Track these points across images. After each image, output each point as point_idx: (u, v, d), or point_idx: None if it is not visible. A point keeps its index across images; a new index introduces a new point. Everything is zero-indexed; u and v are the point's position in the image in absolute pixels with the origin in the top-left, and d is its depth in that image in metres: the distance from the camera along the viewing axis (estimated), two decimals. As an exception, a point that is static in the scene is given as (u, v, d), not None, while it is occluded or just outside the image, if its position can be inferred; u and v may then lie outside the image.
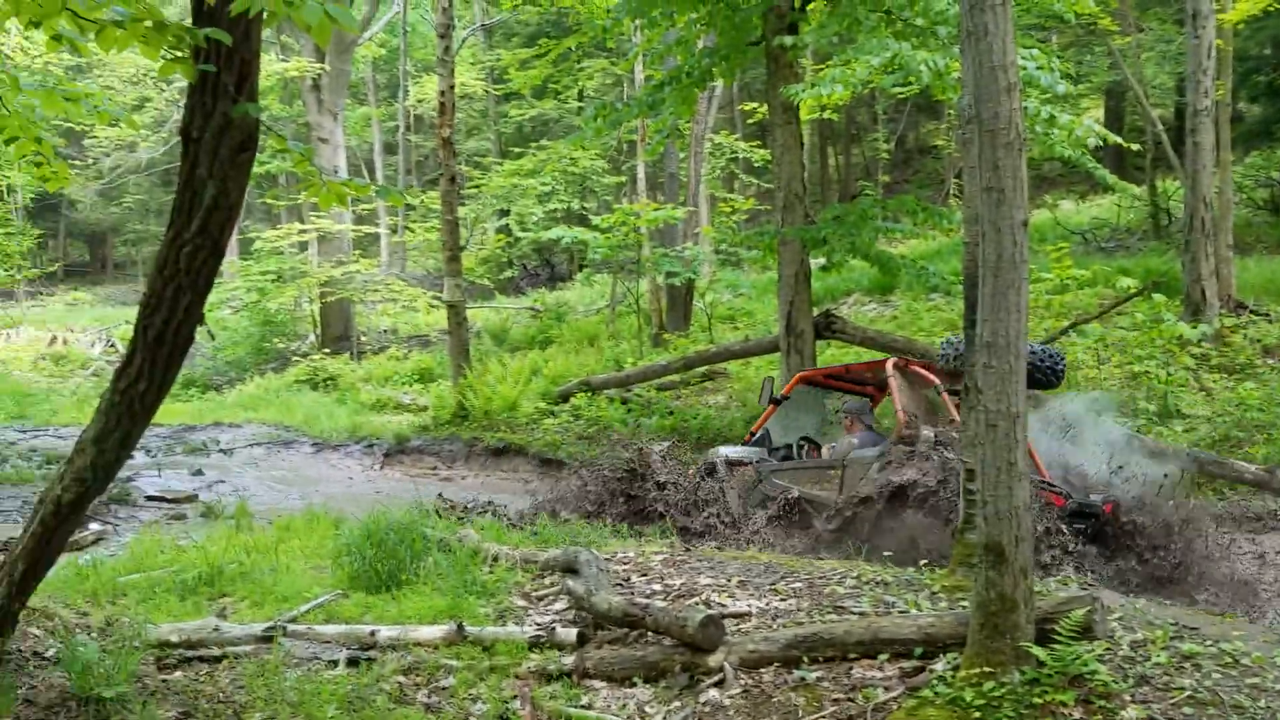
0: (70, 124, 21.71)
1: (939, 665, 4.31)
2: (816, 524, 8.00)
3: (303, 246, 24.56)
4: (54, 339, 26.98)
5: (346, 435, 14.64)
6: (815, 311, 12.38)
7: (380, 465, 13.95)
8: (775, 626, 5.00)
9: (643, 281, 19.73)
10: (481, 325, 21.71)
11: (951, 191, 25.36)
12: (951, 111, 25.03)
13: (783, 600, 5.52)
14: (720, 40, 12.19)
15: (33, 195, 30.76)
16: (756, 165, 24.68)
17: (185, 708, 4.42)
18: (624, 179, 26.44)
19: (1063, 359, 8.45)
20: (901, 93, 10.81)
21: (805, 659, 4.56)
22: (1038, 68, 9.36)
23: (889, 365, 8.43)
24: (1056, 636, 4.03)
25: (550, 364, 17.97)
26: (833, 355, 14.69)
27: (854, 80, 9.80)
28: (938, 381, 8.16)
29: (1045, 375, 8.13)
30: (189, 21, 3.24)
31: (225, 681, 4.79)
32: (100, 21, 2.93)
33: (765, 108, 14.22)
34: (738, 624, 5.12)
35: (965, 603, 4.71)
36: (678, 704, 4.46)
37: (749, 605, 5.44)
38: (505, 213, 26.14)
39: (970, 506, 4.94)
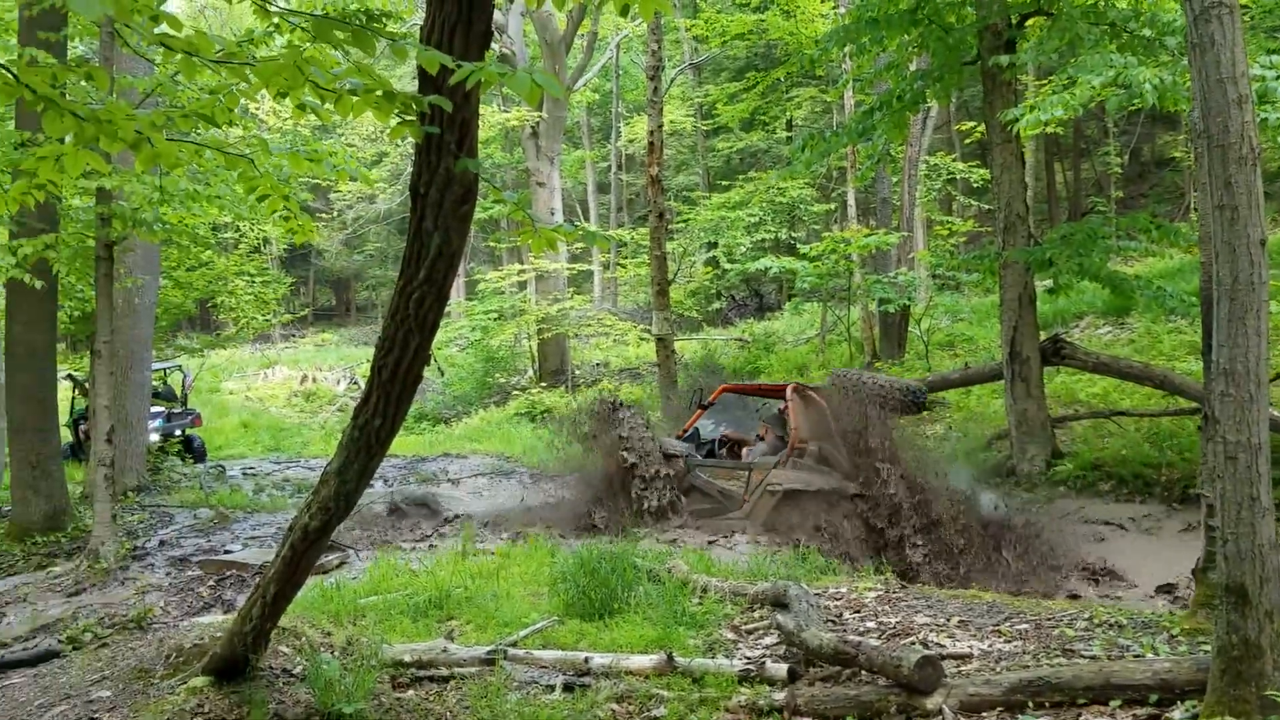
0: (317, 180, 23.75)
1: (1176, 714, 4.01)
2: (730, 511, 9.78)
3: (522, 286, 25.70)
4: (304, 378, 29.44)
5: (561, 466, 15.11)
6: (1042, 336, 11.78)
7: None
8: (998, 669, 4.78)
9: (854, 309, 19.40)
10: (690, 357, 21.97)
11: (1192, 206, 23.53)
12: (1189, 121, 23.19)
13: (1007, 642, 5.27)
14: (934, 62, 11.91)
15: (285, 246, 33.78)
16: (975, 186, 23.83)
17: (416, 725, 4.68)
18: (834, 206, 26.13)
19: (924, 393, 10.71)
20: (1131, 105, 10.17)
21: (1030, 704, 4.33)
22: (1277, 77, 8.57)
23: (789, 390, 10.19)
24: (1307, 683, 3.67)
25: (760, 395, 17.90)
26: (1062, 383, 13.89)
27: (1074, 103, 9.31)
28: (823, 403, 9.96)
29: (911, 405, 10.30)
30: (415, 89, 3.52)
31: (452, 701, 5.04)
32: (338, 91, 3.23)
33: (983, 127, 13.75)
34: (957, 665, 4.93)
35: (1206, 647, 4.37)
36: (893, 746, 4.33)
37: (970, 646, 5.23)
38: (713, 245, 26.41)
39: (1210, 544, 4.57)
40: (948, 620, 5.73)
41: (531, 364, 23.89)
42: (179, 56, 3.21)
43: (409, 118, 3.39)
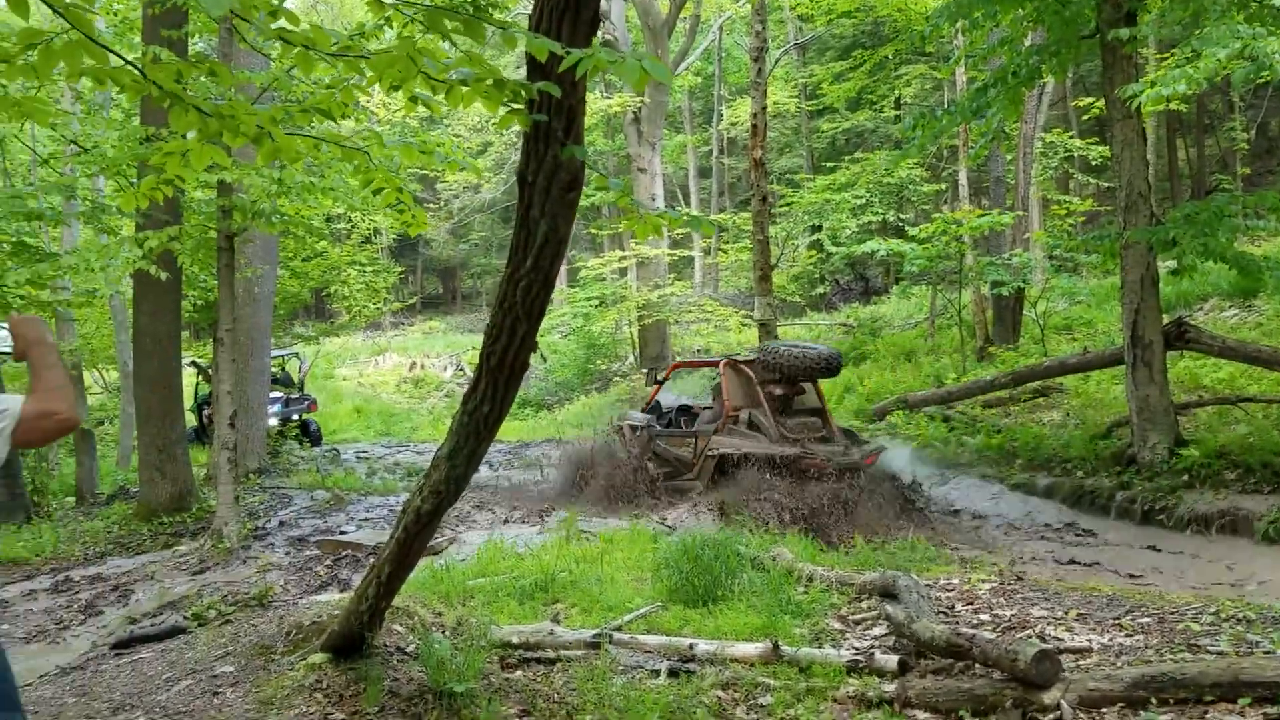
0: (425, 171, 24.27)
1: (1310, 714, 3.80)
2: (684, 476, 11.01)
3: (623, 272, 25.83)
4: (413, 364, 30.21)
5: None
6: (1165, 319, 11.27)
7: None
8: (1119, 664, 4.60)
9: (965, 292, 18.89)
10: (795, 343, 21.69)
11: (1329, 179, 22.20)
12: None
13: (1128, 636, 5.08)
14: (1050, 36, 11.48)
15: (395, 236, 34.58)
16: (1094, 163, 22.96)
17: (525, 706, 4.74)
18: (944, 186, 25.48)
19: (838, 357, 11.22)
20: (1259, 78, 9.63)
21: (1153, 700, 4.16)
22: None
23: (721, 365, 11.40)
24: None
25: (865, 381, 17.64)
26: (1185, 368, 13.28)
27: (1198, 78, 8.84)
28: (751, 374, 11.04)
29: (827, 370, 11.00)
30: (523, 76, 3.53)
31: (559, 683, 5.09)
32: (449, 82, 3.26)
33: (1102, 102, 13.20)
34: (1076, 660, 4.76)
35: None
36: (1008, 742, 4.21)
37: (1089, 640, 5.05)
38: (817, 228, 26.06)
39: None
40: (1065, 613, 5.55)
41: (632, 350, 24.00)
42: (296, 51, 3.28)
43: (517, 106, 3.40)
